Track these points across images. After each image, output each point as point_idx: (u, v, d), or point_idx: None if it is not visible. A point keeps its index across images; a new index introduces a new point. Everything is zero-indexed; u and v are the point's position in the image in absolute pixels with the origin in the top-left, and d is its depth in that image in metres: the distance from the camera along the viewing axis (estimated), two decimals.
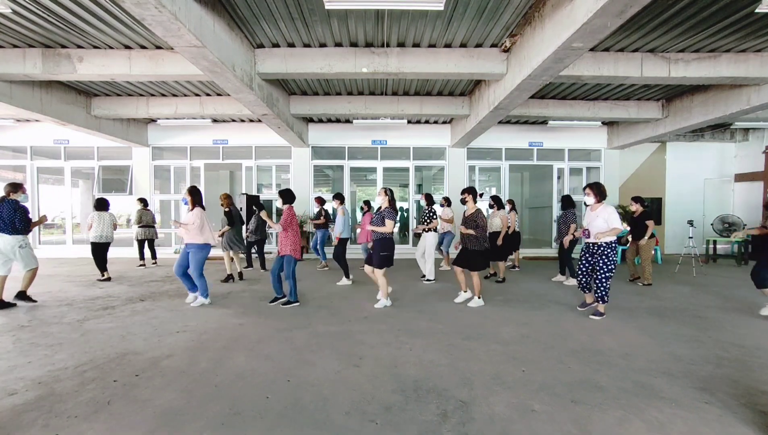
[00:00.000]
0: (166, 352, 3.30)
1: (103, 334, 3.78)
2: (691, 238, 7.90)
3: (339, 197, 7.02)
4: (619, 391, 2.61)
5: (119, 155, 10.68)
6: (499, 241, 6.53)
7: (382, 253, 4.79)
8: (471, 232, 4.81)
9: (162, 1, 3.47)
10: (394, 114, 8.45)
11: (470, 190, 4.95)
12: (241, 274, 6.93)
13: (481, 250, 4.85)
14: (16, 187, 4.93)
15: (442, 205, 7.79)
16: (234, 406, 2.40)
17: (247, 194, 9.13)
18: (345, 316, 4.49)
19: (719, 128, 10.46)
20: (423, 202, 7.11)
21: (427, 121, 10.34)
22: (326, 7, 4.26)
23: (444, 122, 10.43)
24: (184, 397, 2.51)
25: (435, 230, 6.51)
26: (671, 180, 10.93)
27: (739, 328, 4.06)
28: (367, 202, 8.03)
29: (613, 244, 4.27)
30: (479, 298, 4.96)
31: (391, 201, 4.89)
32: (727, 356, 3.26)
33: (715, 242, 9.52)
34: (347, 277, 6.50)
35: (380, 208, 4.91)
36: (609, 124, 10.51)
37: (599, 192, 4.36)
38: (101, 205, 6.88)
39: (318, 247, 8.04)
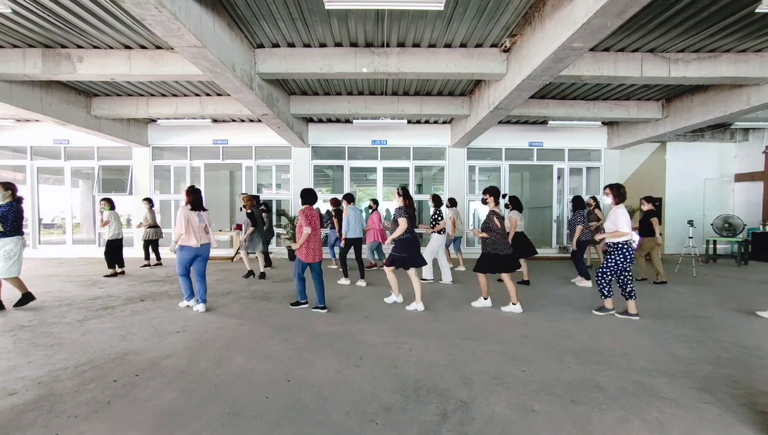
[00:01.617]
0: (166, 352, 3.30)
1: (103, 334, 3.78)
2: (691, 238, 7.90)
3: (347, 198, 6.91)
4: (619, 391, 2.61)
5: (119, 155, 10.68)
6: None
7: (399, 253, 4.70)
8: (484, 235, 4.65)
9: (162, 1, 3.47)
10: (394, 114, 8.45)
11: (491, 191, 4.68)
12: (263, 274, 7.05)
13: (493, 254, 4.63)
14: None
15: (447, 207, 7.69)
16: (234, 406, 2.40)
17: (247, 194, 9.15)
18: (345, 316, 4.49)
19: (719, 128, 10.46)
20: (430, 204, 6.94)
21: (427, 121, 10.34)
22: (326, 7, 4.26)
23: (444, 122, 10.43)
24: (184, 397, 2.51)
25: (441, 232, 6.43)
26: (671, 180, 10.93)
27: (739, 328, 4.06)
28: (374, 201, 7.98)
29: (622, 246, 4.27)
30: (515, 303, 4.66)
31: (405, 199, 4.75)
32: (727, 356, 3.26)
33: (715, 242, 9.52)
34: (345, 276, 6.53)
35: (396, 208, 4.81)
36: (609, 124, 10.50)
37: (618, 193, 4.34)
38: (113, 204, 7.28)
39: (329, 247, 8.16)
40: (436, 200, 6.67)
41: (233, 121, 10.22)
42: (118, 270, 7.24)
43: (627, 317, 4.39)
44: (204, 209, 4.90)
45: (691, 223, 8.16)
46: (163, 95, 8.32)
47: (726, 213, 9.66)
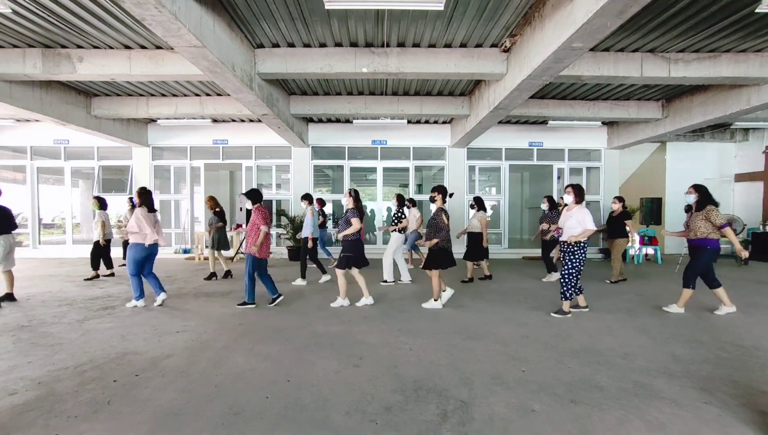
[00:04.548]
0: (166, 352, 3.30)
1: (103, 334, 3.78)
2: None
3: (307, 198, 6.92)
4: (619, 391, 2.61)
5: (119, 155, 10.69)
6: (485, 243, 6.50)
7: (345, 253, 4.82)
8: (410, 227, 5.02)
9: (162, 1, 3.47)
10: (394, 114, 8.46)
11: (439, 189, 4.88)
12: (229, 273, 6.97)
13: (437, 250, 4.73)
14: None
15: (408, 207, 7.68)
16: (234, 406, 2.40)
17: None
18: (345, 316, 4.49)
19: (719, 128, 10.46)
20: (394, 203, 7.23)
21: (427, 121, 10.34)
22: (326, 7, 4.26)
23: (444, 122, 10.43)
24: (184, 397, 2.51)
25: (403, 231, 6.58)
26: (671, 180, 10.93)
27: (738, 327, 4.06)
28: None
29: (583, 245, 4.35)
30: (435, 300, 4.83)
31: (356, 201, 4.91)
32: (726, 356, 3.26)
33: None
34: (302, 277, 6.50)
35: (346, 210, 4.92)
36: (609, 124, 10.51)
37: (579, 193, 4.45)
38: (104, 203, 7.07)
39: (319, 247, 8.20)
40: (400, 200, 7.02)
41: (233, 121, 10.22)
42: (107, 272, 7.06)
43: (579, 310, 4.65)
44: (154, 210, 4.98)
45: None
46: (163, 95, 8.32)
47: (726, 213, 9.65)
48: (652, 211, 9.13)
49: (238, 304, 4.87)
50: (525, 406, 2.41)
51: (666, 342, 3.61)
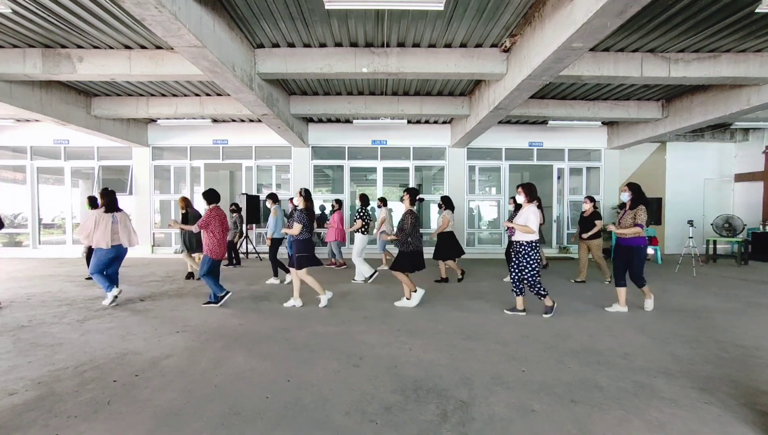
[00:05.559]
0: (166, 352, 3.30)
1: (103, 334, 3.78)
2: (691, 238, 7.90)
3: (272, 197, 6.84)
4: (619, 391, 2.61)
5: (119, 155, 10.69)
6: (432, 237, 6.52)
7: (298, 253, 4.75)
8: (391, 237, 4.99)
9: (162, 1, 3.47)
10: (394, 114, 8.46)
11: (409, 191, 4.92)
12: (190, 275, 6.82)
13: (405, 252, 4.80)
14: None
15: (379, 207, 7.64)
16: (234, 406, 2.40)
17: (246, 194, 9.15)
18: (344, 316, 4.49)
19: (719, 128, 10.46)
20: (358, 203, 7.13)
21: (427, 121, 10.35)
22: (326, 7, 4.26)
23: (444, 122, 10.44)
24: (184, 397, 2.51)
25: (363, 232, 6.56)
26: (671, 180, 10.93)
27: (738, 328, 4.06)
28: (338, 201, 8.11)
29: (534, 244, 4.36)
30: (408, 298, 4.91)
31: (307, 201, 4.83)
32: (726, 356, 3.26)
33: (715, 242, 9.52)
34: (275, 275, 6.61)
35: (298, 210, 4.84)
36: (609, 124, 10.51)
37: (530, 192, 4.44)
38: (97, 202, 6.87)
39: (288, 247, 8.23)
40: (363, 200, 6.93)
41: (233, 121, 10.23)
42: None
43: (549, 315, 4.45)
44: (118, 210, 4.96)
45: (691, 223, 8.16)
46: (163, 95, 8.32)
47: (726, 213, 9.65)
48: (652, 211, 9.12)
49: (203, 304, 4.86)
50: (525, 406, 2.41)
51: (666, 342, 3.61)
